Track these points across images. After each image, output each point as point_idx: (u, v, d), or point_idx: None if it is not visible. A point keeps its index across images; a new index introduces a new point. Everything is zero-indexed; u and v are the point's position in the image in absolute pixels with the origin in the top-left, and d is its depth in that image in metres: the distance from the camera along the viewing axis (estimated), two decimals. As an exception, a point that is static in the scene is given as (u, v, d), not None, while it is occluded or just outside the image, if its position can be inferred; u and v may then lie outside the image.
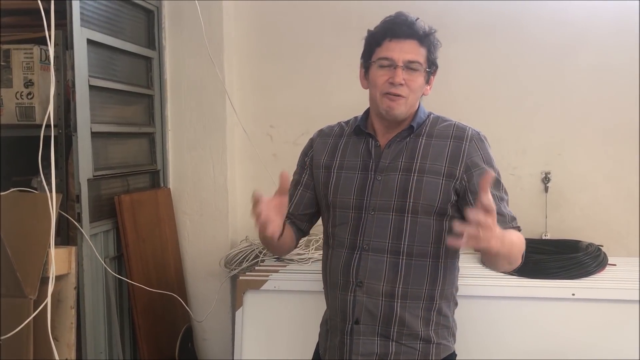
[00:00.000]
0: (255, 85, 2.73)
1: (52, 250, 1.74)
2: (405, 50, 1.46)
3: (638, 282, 2.01)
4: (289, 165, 1.73)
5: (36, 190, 2.06)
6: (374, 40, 1.50)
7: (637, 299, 1.96)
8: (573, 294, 2.01)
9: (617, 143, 2.50)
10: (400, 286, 1.49)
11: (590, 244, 2.28)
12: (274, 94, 2.73)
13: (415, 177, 1.48)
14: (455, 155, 1.49)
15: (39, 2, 1.65)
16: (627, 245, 2.49)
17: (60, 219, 2.02)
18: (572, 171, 2.54)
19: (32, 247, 1.81)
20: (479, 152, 1.50)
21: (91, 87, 2.13)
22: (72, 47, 2.02)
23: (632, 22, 2.45)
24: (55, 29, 1.65)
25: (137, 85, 2.52)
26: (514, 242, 1.39)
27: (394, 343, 1.50)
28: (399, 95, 1.47)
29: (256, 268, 2.31)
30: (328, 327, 1.62)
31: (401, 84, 1.46)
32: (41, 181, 1.67)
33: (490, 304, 2.03)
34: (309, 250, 2.37)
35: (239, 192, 2.74)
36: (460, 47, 2.52)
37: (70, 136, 2.06)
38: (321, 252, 1.70)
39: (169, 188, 2.66)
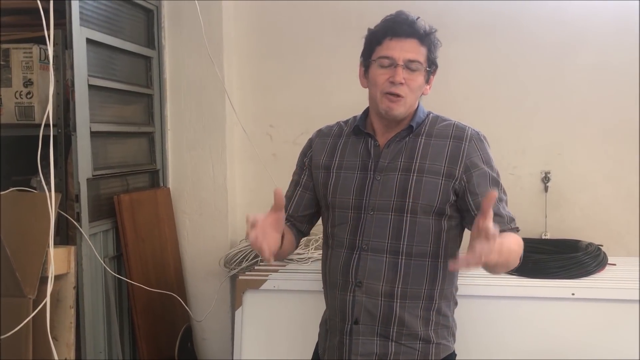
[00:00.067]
0: (254, 84, 2.73)
1: (52, 250, 1.74)
2: (405, 49, 1.46)
3: (638, 282, 2.01)
4: (289, 165, 1.74)
5: (35, 189, 2.06)
6: (375, 39, 1.50)
7: (637, 298, 1.96)
8: (573, 294, 2.01)
9: (617, 143, 2.50)
10: (400, 286, 1.49)
11: (590, 244, 2.28)
12: (274, 93, 2.72)
13: (414, 177, 1.48)
14: (455, 155, 1.49)
15: (38, 1, 1.65)
16: (626, 244, 2.49)
17: (59, 218, 2.02)
18: (572, 171, 2.54)
19: (32, 247, 1.82)
20: (478, 153, 1.50)
21: (90, 86, 2.13)
22: (71, 47, 2.02)
23: (631, 21, 2.45)
24: (55, 29, 1.65)
25: (136, 85, 2.52)
26: (512, 249, 1.38)
27: (393, 343, 1.50)
28: (398, 96, 1.46)
29: (256, 268, 2.31)
30: (327, 327, 1.62)
31: (401, 83, 1.45)
32: (40, 181, 1.67)
33: (490, 304, 2.03)
34: (308, 250, 2.37)
35: (238, 192, 2.74)
36: (460, 46, 2.51)
37: (69, 136, 2.06)
38: (321, 252, 1.70)
39: (169, 188, 2.66)
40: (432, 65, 1.51)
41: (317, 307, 1.72)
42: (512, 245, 1.39)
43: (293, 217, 1.63)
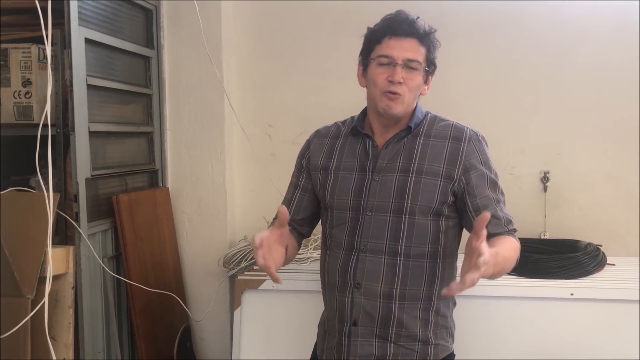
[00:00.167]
0: (253, 84, 2.72)
1: (50, 250, 1.74)
2: (405, 49, 1.46)
3: (637, 282, 2.01)
4: (288, 165, 1.73)
5: (34, 189, 2.05)
6: (374, 38, 1.49)
7: (637, 298, 1.96)
8: (572, 294, 2.01)
9: (617, 142, 2.50)
10: (398, 287, 1.48)
11: (589, 244, 2.28)
12: (273, 93, 2.72)
13: (413, 179, 1.48)
14: (454, 156, 1.48)
15: (37, 1, 1.65)
16: (626, 244, 2.49)
17: (58, 218, 2.02)
18: (571, 171, 2.54)
19: (30, 247, 1.81)
20: (476, 154, 1.50)
21: (89, 86, 2.12)
22: (70, 46, 2.01)
23: (631, 20, 2.45)
24: (53, 28, 1.65)
25: (135, 85, 2.51)
26: (507, 257, 1.37)
27: (392, 344, 1.50)
28: (397, 94, 1.46)
29: (254, 267, 2.31)
30: (326, 328, 1.61)
31: (400, 82, 1.45)
32: (39, 180, 1.67)
33: (489, 304, 2.02)
34: (307, 250, 2.37)
35: (237, 192, 2.73)
36: (460, 46, 2.51)
37: (68, 135, 2.05)
38: (319, 252, 1.70)
39: (167, 187, 2.66)
40: (430, 65, 1.50)
41: (316, 307, 1.72)
42: (507, 252, 1.38)
43: (294, 220, 1.62)
